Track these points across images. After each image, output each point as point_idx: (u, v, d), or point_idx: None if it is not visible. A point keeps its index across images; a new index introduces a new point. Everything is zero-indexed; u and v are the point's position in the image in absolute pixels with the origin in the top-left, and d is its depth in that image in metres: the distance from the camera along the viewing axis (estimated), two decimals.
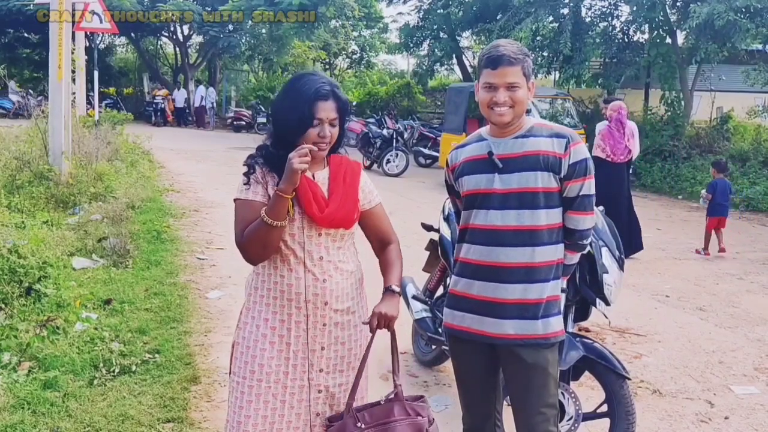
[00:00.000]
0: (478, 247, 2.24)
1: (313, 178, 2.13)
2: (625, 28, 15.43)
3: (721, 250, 7.71)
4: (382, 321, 2.09)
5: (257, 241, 2.04)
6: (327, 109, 2.07)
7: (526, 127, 2.25)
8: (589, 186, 2.23)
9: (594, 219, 2.29)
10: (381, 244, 2.29)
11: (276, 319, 2.12)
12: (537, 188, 2.17)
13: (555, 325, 2.24)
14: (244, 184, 2.11)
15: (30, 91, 21.58)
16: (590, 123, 12.53)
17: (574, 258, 2.34)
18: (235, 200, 2.12)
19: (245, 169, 2.13)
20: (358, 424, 2.07)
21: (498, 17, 17.31)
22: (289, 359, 2.11)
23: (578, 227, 2.25)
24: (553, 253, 2.23)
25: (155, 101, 24.49)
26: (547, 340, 2.23)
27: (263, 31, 25.80)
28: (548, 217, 2.20)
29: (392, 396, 2.17)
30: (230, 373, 2.19)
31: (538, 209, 2.18)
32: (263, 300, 2.14)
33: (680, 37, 14.46)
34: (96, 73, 12.32)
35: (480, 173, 2.24)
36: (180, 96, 25.06)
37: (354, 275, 2.20)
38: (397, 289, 2.18)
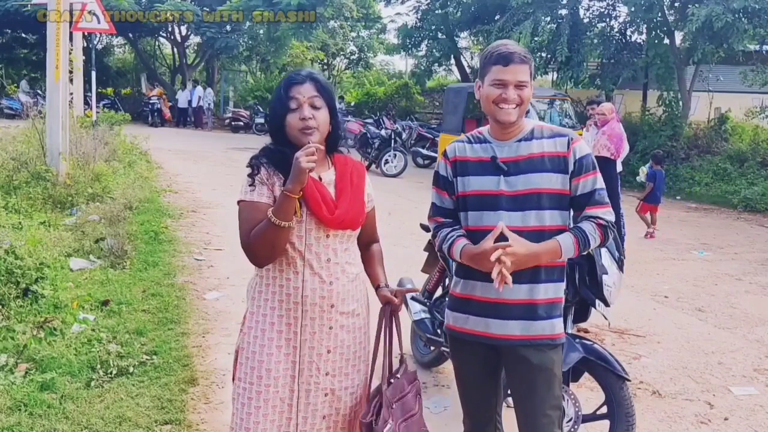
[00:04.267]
0: None
1: (320, 179, 2.11)
2: (623, 28, 15.45)
3: (652, 234, 8.64)
4: (400, 299, 2.24)
5: (265, 243, 2.00)
6: (303, 91, 2.06)
7: (527, 129, 2.24)
8: (600, 180, 2.23)
9: (612, 212, 2.26)
10: (366, 244, 2.32)
11: (282, 323, 2.09)
12: (542, 189, 2.17)
13: (558, 326, 2.23)
14: (249, 185, 2.07)
15: (38, 91, 21.41)
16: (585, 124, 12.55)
17: (595, 238, 2.18)
18: (239, 202, 2.08)
19: (249, 170, 2.09)
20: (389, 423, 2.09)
21: (496, 18, 17.35)
22: (296, 363, 2.09)
23: (602, 215, 2.20)
24: None
25: (150, 101, 24.40)
26: (553, 340, 2.22)
27: (261, 31, 25.81)
28: (553, 218, 2.19)
29: (403, 371, 2.26)
30: (234, 379, 2.15)
31: (544, 210, 2.17)
32: (268, 303, 2.11)
33: (678, 38, 14.48)
34: (93, 74, 12.28)
35: (485, 175, 2.22)
36: (183, 97, 25.05)
37: (359, 277, 2.20)
38: (391, 286, 2.28)
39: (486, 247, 2.07)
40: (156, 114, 24.00)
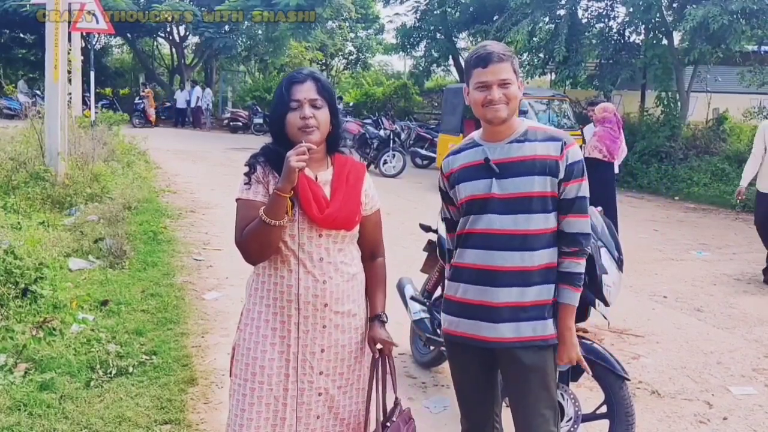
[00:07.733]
0: (474, 252, 2.22)
1: (316, 179, 2.11)
2: (621, 29, 15.46)
3: None
4: (387, 348, 2.18)
5: (256, 241, 2.02)
6: (304, 90, 2.06)
7: (521, 130, 2.23)
8: (585, 188, 2.23)
9: (589, 222, 2.27)
10: (370, 253, 2.27)
11: (277, 321, 2.10)
12: (534, 193, 2.16)
13: (550, 327, 2.23)
14: (245, 183, 2.09)
15: (37, 92, 21.32)
16: (586, 124, 12.56)
17: (580, 265, 2.26)
18: (236, 200, 2.11)
19: (247, 168, 2.11)
20: None
21: (494, 18, 17.36)
22: (290, 361, 2.09)
23: (576, 230, 2.22)
24: (548, 256, 2.21)
25: (135, 101, 24.13)
26: (545, 341, 2.22)
27: (259, 31, 25.84)
28: (545, 222, 2.19)
29: (398, 413, 2.22)
30: (231, 375, 2.17)
31: (535, 213, 2.17)
32: (263, 301, 2.12)
33: (676, 39, 14.49)
34: (92, 74, 12.29)
35: (477, 179, 2.22)
36: (181, 97, 25.04)
37: (356, 277, 2.18)
38: (386, 319, 2.24)
39: None
40: (140, 114, 23.58)
